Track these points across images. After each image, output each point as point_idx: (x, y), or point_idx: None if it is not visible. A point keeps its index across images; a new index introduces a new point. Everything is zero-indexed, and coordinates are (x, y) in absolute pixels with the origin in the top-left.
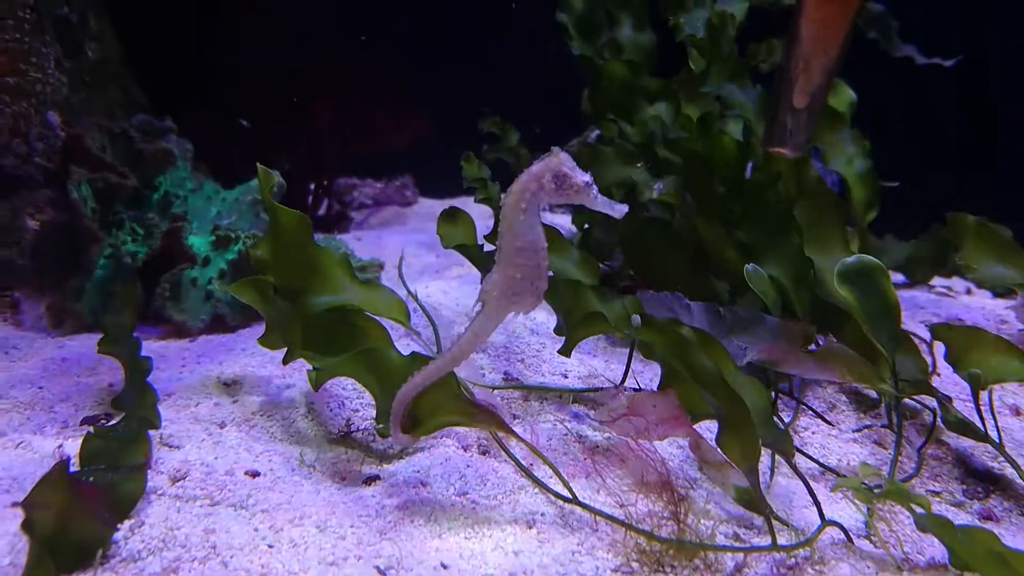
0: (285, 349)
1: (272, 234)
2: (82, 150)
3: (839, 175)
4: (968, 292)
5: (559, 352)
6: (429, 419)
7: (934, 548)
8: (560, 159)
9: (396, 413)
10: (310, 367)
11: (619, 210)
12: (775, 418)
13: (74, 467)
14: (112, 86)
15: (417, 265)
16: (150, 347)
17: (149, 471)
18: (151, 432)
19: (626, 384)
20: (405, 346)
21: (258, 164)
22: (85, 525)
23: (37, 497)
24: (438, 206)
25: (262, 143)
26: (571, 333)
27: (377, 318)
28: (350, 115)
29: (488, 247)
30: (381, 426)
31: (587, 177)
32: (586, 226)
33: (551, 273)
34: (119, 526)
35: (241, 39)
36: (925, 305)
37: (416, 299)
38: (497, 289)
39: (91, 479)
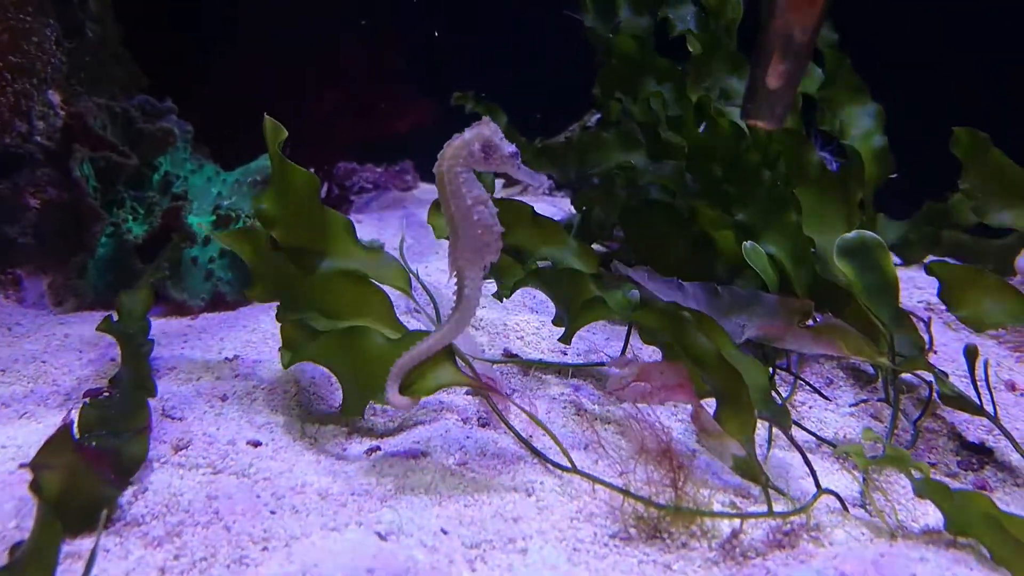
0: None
1: (278, 189)
2: (83, 129)
3: (835, 159)
4: None
5: (560, 340)
6: (427, 380)
7: (928, 516)
8: (490, 128)
9: (395, 376)
10: (286, 348)
11: (539, 180)
12: (772, 393)
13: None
14: (112, 67)
15: (417, 247)
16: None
17: (152, 441)
18: (152, 403)
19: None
20: (407, 323)
21: (265, 115)
22: (92, 486)
23: (43, 458)
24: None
25: (262, 127)
26: (572, 321)
27: (380, 286)
28: (352, 100)
29: None
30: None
31: (512, 148)
32: (584, 208)
33: (548, 263)
34: (123, 491)
35: (242, 22)
36: (923, 286)
37: (417, 277)
38: (468, 250)
39: (93, 443)
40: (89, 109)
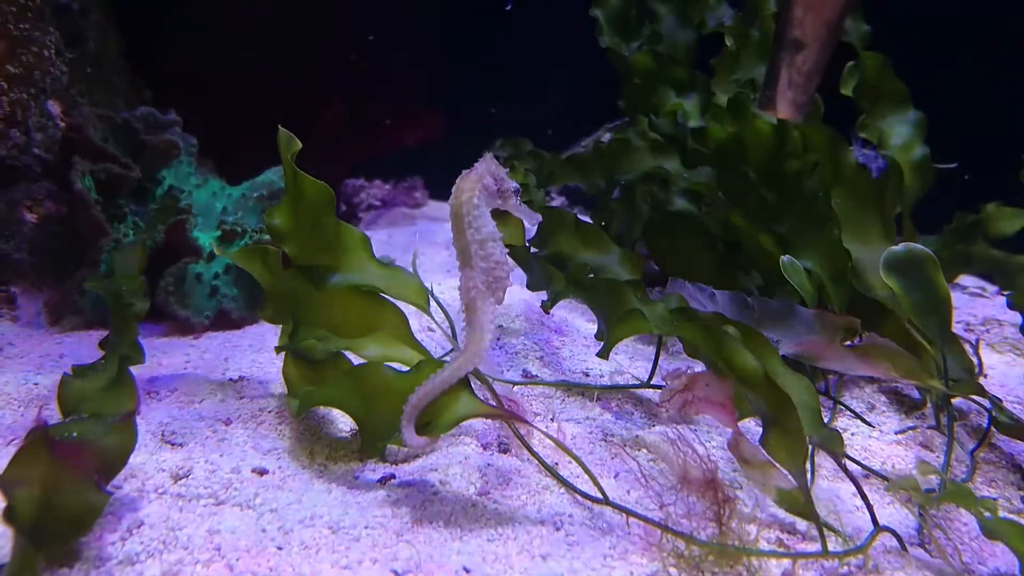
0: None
1: (292, 203)
2: (83, 141)
3: (885, 160)
4: (1000, 292)
5: (597, 355)
6: (444, 415)
7: (996, 559)
8: (496, 163)
9: (409, 415)
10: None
11: (534, 219)
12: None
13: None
14: (114, 78)
15: (429, 264)
16: (152, 344)
17: (150, 470)
18: (152, 428)
19: (652, 381)
20: (422, 342)
21: (279, 127)
22: (75, 495)
23: (16, 473)
24: (448, 208)
25: (268, 142)
26: (610, 333)
27: (396, 301)
28: (358, 115)
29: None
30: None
31: (515, 185)
32: (603, 223)
33: (591, 275)
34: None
35: (248, 34)
36: (959, 305)
37: (432, 294)
38: (480, 283)
39: (74, 434)
40: (89, 120)
